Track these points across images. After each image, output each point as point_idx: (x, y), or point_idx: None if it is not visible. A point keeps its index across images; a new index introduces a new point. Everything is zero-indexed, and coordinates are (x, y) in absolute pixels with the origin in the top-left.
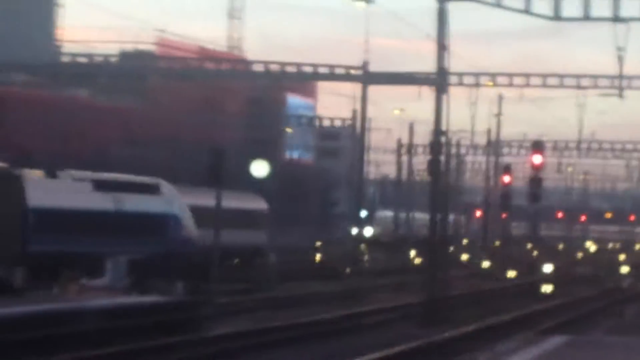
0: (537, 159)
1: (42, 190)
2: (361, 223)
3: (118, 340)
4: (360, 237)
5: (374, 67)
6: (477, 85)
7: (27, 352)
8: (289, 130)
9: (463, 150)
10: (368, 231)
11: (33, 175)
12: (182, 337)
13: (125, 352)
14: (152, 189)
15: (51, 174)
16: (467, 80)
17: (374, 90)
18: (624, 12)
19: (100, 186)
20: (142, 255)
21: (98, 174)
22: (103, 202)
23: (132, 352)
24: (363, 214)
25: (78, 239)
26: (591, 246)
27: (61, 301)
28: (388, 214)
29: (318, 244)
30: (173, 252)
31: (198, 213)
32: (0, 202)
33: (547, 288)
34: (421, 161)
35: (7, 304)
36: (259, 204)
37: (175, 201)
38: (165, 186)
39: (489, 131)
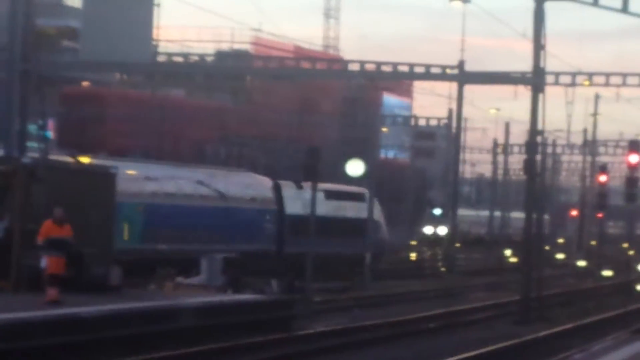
0: (633, 158)
1: (294, 199)
2: (435, 221)
3: (212, 338)
4: (435, 236)
5: (469, 67)
6: (573, 84)
7: (122, 350)
8: (384, 129)
9: (559, 150)
10: (442, 230)
11: (288, 187)
12: (276, 335)
13: (219, 350)
14: (360, 198)
15: (299, 185)
16: (564, 79)
17: (469, 89)
18: None
19: (329, 195)
20: (352, 254)
21: (326, 185)
22: (333, 209)
23: (226, 350)
24: (437, 212)
25: (316, 241)
26: None
27: (157, 299)
28: (483, 213)
29: (413, 242)
30: (375, 252)
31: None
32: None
33: None
34: (517, 160)
35: (104, 302)
36: (377, 214)
37: (376, 208)
38: (368, 195)
39: (585, 131)
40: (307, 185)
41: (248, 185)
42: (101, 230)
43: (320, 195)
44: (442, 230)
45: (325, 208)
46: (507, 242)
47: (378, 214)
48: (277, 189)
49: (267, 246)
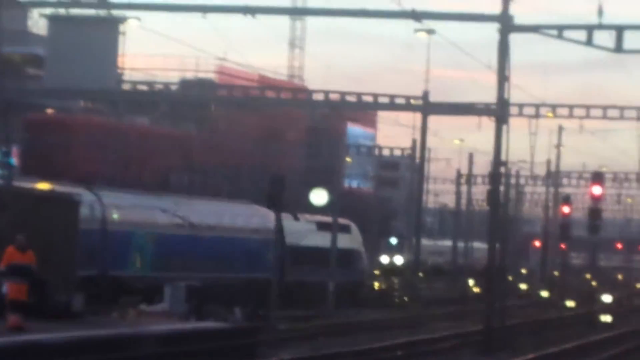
0: (596, 190)
1: (291, 231)
2: (392, 251)
3: None
4: (391, 266)
5: (434, 97)
6: (537, 116)
7: None
8: (348, 159)
9: (522, 181)
10: (398, 260)
11: (286, 218)
12: None
13: None
14: (347, 229)
15: (295, 217)
16: (527, 111)
17: (434, 120)
18: None
19: (321, 227)
20: (342, 282)
21: (317, 217)
22: (324, 240)
23: None
24: (393, 241)
25: (311, 270)
26: None
27: (120, 326)
28: (447, 243)
29: (376, 272)
30: (357, 281)
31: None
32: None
33: (606, 318)
34: (480, 191)
35: (67, 329)
36: (359, 245)
37: (359, 239)
38: (353, 227)
39: (548, 162)
40: (301, 216)
41: (252, 216)
42: (64, 257)
43: (313, 227)
44: (399, 260)
45: (319, 239)
46: (470, 272)
47: (360, 244)
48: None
49: (270, 274)
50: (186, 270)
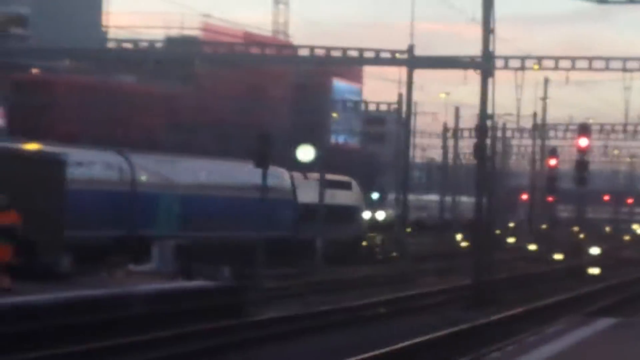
0: (583, 142)
1: (303, 189)
2: (373, 206)
3: (164, 325)
4: (373, 221)
5: (419, 51)
6: (522, 68)
7: (74, 337)
8: (334, 115)
9: (509, 134)
10: (380, 215)
11: (297, 178)
12: (227, 322)
13: (170, 337)
14: (347, 186)
15: (305, 176)
16: (513, 63)
17: (419, 74)
18: None
19: (329, 185)
20: (346, 237)
21: (319, 175)
22: (331, 198)
23: (178, 337)
24: (374, 196)
25: (315, 226)
26: (638, 229)
27: (108, 286)
28: (431, 197)
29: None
30: (359, 236)
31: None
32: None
33: (594, 271)
34: (467, 145)
35: (55, 290)
36: (360, 202)
37: (360, 196)
38: (354, 184)
39: (535, 114)
40: (309, 175)
41: (272, 177)
42: (51, 218)
43: (317, 185)
44: (381, 215)
45: (327, 197)
46: (458, 226)
47: (361, 201)
48: (292, 180)
49: (286, 232)
50: (211, 229)
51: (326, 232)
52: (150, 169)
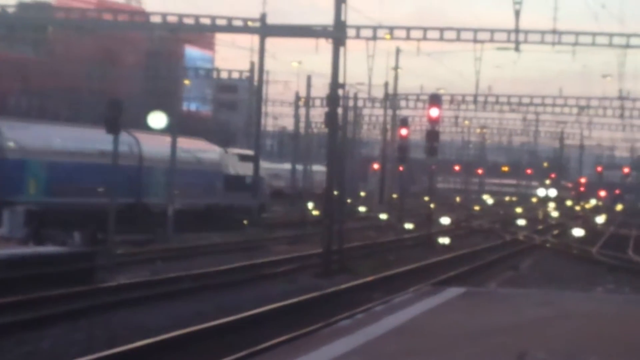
0: (434, 112)
1: (223, 161)
2: None
3: (14, 291)
4: None
5: (271, 20)
6: (374, 38)
7: None
8: (186, 82)
9: (360, 103)
10: None
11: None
12: (78, 288)
13: (20, 303)
14: (252, 159)
15: (225, 150)
16: (365, 33)
17: (272, 42)
18: None
19: (241, 158)
20: (254, 204)
21: (239, 150)
22: (243, 169)
23: (27, 303)
24: None
25: (235, 194)
26: (488, 199)
27: None
28: (286, 166)
29: None
30: (264, 203)
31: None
32: None
33: (444, 240)
34: (319, 114)
35: None
36: (263, 172)
37: (263, 166)
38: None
39: (386, 84)
40: (229, 150)
41: (203, 151)
42: None
43: (235, 158)
44: None
45: (240, 168)
46: (310, 195)
47: (264, 171)
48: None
49: (216, 200)
50: (66, 195)
51: (233, 199)
52: (153, 146)
